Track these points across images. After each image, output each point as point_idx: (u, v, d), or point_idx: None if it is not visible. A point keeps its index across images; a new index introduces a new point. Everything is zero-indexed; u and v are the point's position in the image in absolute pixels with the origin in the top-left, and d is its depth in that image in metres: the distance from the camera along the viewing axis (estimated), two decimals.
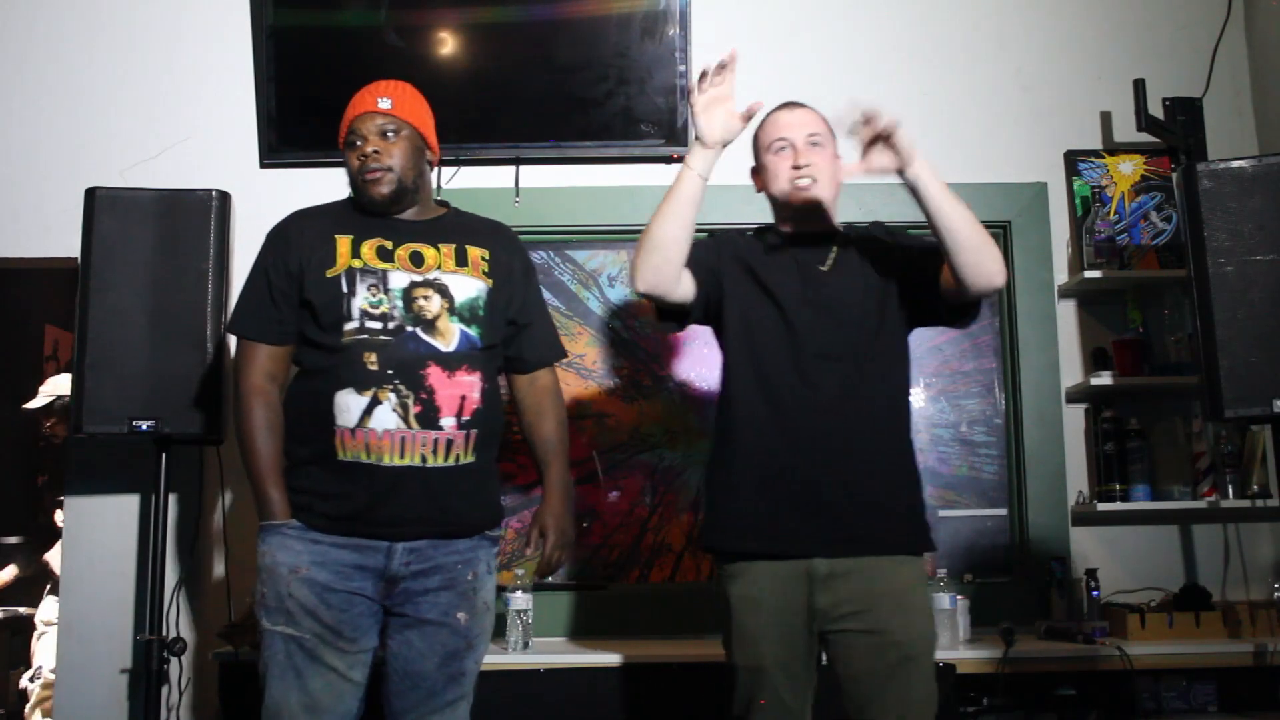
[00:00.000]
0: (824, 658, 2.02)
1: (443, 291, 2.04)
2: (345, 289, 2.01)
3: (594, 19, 3.10)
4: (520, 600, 2.71)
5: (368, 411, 1.95)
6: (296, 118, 3.09)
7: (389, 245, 2.06)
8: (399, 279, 2.03)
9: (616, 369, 3.13)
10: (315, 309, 2.02)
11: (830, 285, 2.04)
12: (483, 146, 3.10)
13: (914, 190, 1.91)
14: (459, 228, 2.16)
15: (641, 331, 3.14)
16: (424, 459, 1.97)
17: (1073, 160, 3.18)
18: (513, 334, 2.18)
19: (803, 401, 1.98)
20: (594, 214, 3.12)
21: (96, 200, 2.58)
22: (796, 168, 2.05)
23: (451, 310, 2.03)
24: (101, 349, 2.51)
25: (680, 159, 3.12)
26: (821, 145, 2.07)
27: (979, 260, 1.90)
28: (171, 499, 2.64)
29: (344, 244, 2.05)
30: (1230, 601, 2.90)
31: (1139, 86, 2.99)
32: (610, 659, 2.62)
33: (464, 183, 3.13)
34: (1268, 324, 2.33)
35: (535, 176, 3.14)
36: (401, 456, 1.96)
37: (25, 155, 3.14)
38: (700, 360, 3.12)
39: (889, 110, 1.88)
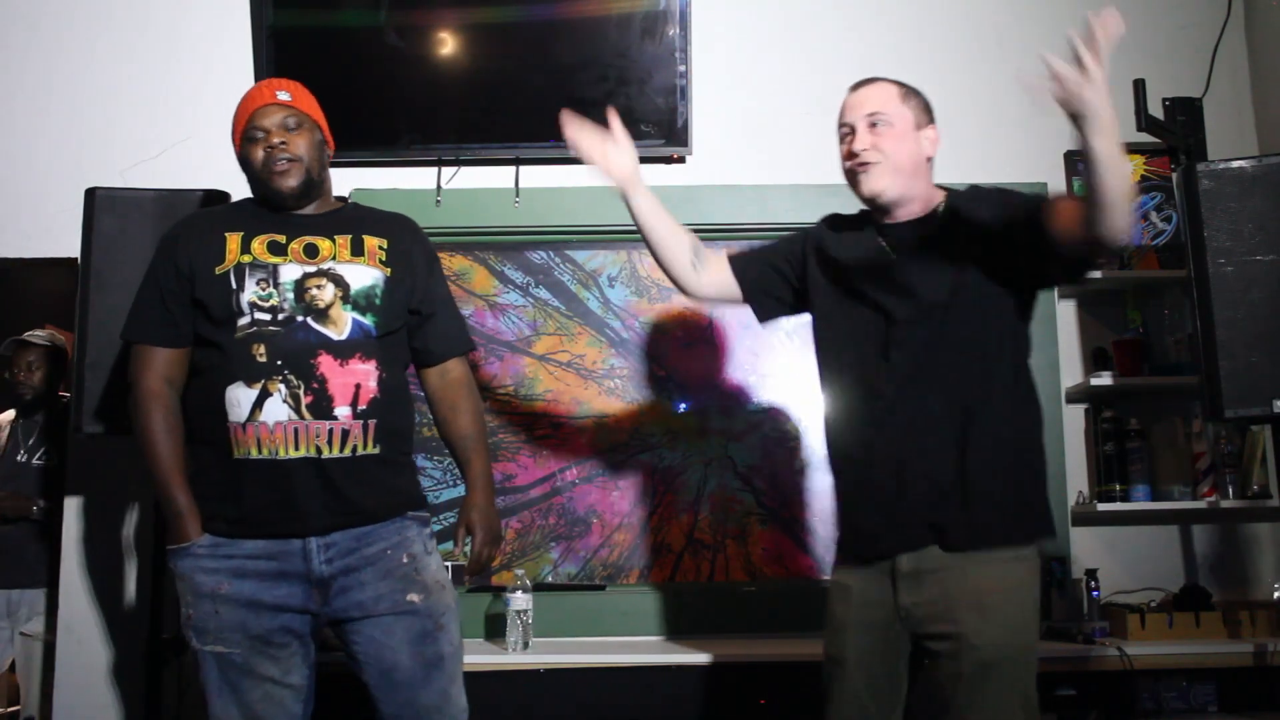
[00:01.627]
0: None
1: (337, 281, 2.01)
2: (234, 285, 1.99)
3: (594, 19, 3.10)
4: (520, 600, 2.71)
5: (258, 404, 1.93)
6: None
7: (282, 240, 2.05)
8: (290, 271, 2.01)
9: (616, 369, 3.13)
10: (206, 307, 2.01)
11: (898, 271, 1.92)
12: (483, 146, 3.11)
13: (1084, 144, 1.66)
14: (357, 219, 2.14)
15: (641, 331, 3.14)
16: (319, 450, 1.94)
17: (1073, 160, 3.17)
18: (416, 324, 2.14)
19: (870, 395, 1.92)
20: (594, 214, 3.12)
21: (96, 200, 2.58)
22: (852, 155, 1.93)
23: (346, 299, 2.01)
24: (101, 349, 2.51)
25: (681, 159, 3.14)
26: (888, 124, 1.92)
27: (1113, 218, 1.69)
28: None
29: (233, 241, 2.04)
30: (1230, 601, 2.90)
31: (1139, 86, 2.99)
32: (610, 660, 2.62)
33: (464, 183, 3.13)
34: (1268, 324, 2.33)
35: (535, 176, 3.14)
36: (297, 448, 1.93)
37: (25, 155, 3.14)
38: (700, 360, 3.12)
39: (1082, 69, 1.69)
